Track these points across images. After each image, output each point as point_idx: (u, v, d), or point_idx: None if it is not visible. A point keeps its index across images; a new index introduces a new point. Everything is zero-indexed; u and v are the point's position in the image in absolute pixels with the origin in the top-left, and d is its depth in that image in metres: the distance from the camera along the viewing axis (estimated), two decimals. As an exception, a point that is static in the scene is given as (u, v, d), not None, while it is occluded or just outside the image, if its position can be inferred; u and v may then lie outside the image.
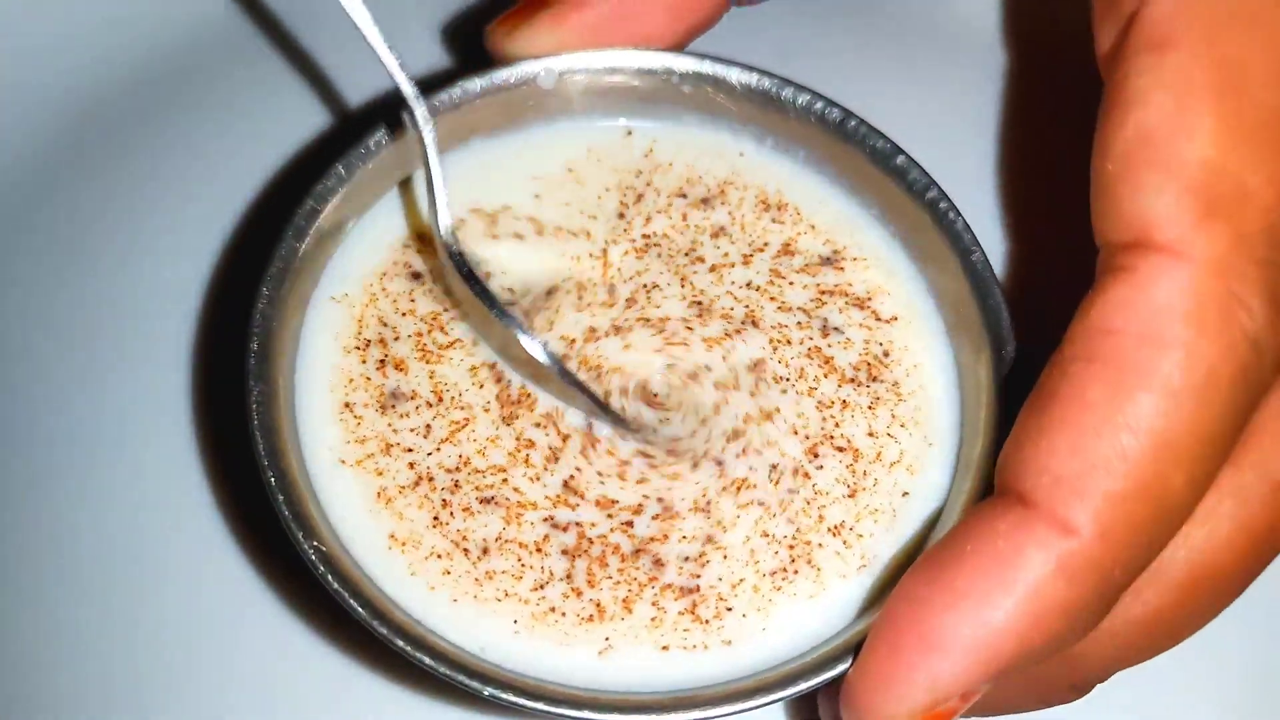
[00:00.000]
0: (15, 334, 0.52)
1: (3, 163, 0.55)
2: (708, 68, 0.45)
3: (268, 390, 0.40)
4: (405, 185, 0.46)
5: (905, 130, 0.45)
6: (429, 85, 0.45)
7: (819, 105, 0.45)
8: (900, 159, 0.44)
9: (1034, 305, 0.51)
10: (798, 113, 0.45)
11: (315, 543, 0.38)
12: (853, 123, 0.45)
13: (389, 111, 0.44)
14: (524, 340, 0.40)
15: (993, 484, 0.37)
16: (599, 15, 0.44)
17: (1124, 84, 0.35)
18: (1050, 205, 0.48)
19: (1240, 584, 0.38)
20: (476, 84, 0.45)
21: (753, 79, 0.45)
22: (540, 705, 0.37)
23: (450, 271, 0.42)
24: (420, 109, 0.42)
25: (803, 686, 0.38)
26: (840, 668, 0.37)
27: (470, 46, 0.50)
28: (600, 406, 0.42)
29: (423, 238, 0.46)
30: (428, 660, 0.37)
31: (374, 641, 0.38)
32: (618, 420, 0.43)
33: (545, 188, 0.47)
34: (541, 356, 0.40)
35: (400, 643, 0.38)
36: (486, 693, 0.37)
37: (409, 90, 0.42)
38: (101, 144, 0.55)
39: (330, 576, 0.38)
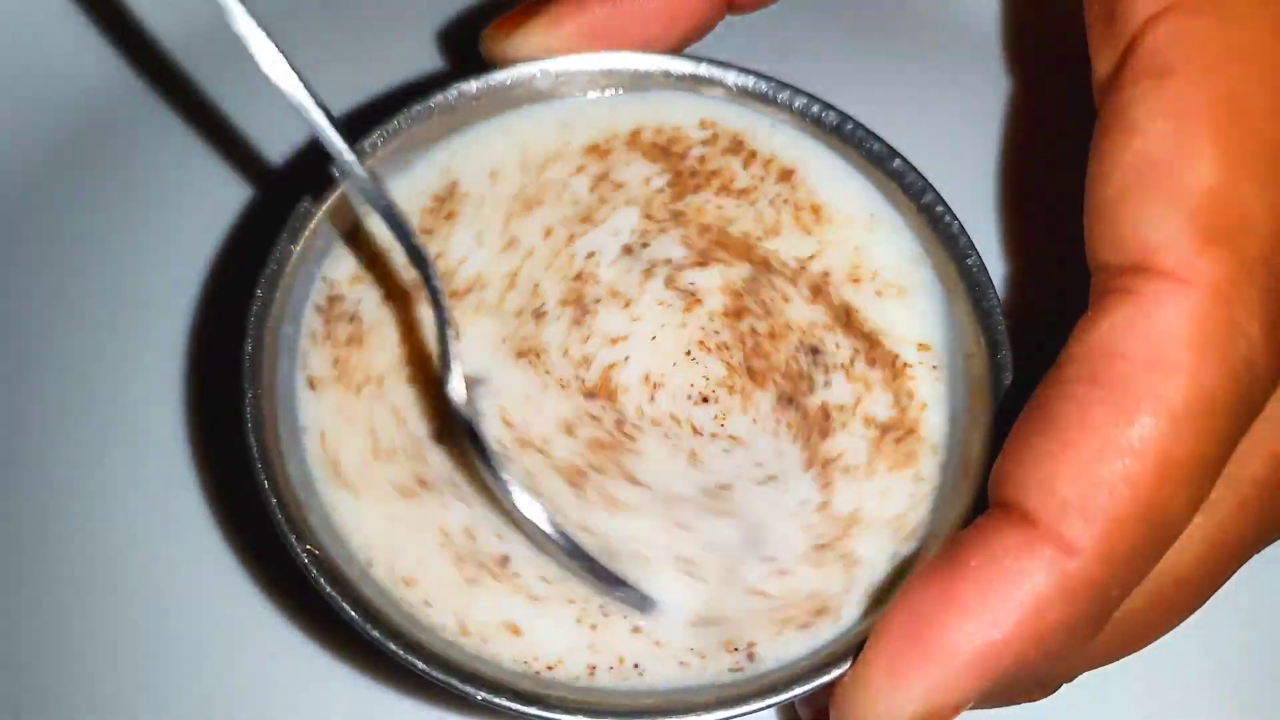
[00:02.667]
0: (9, 337, 0.53)
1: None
2: (704, 69, 0.45)
3: (262, 393, 0.40)
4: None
5: (903, 134, 0.45)
6: (424, 88, 0.45)
7: (815, 108, 0.45)
8: (896, 162, 0.44)
9: (1027, 307, 0.51)
10: (794, 115, 0.45)
11: (308, 546, 0.38)
12: (849, 125, 0.45)
13: (384, 116, 0.44)
14: (525, 507, 0.38)
15: (986, 490, 0.37)
16: (595, 19, 0.44)
17: (1123, 110, 0.36)
18: (1048, 208, 0.49)
19: (1207, 593, 0.39)
20: (473, 86, 0.45)
21: (749, 81, 0.45)
22: (534, 710, 0.37)
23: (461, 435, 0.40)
24: (434, 280, 0.39)
25: (799, 690, 0.37)
26: (835, 672, 0.37)
27: (466, 51, 0.50)
28: (608, 580, 0.40)
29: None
30: (420, 665, 0.37)
31: (368, 645, 0.38)
32: (633, 599, 0.40)
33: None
34: (546, 526, 0.39)
35: (393, 646, 0.38)
36: (479, 697, 0.37)
37: (422, 258, 0.39)
38: (98, 145, 0.56)
39: (323, 580, 0.38)
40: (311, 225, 0.43)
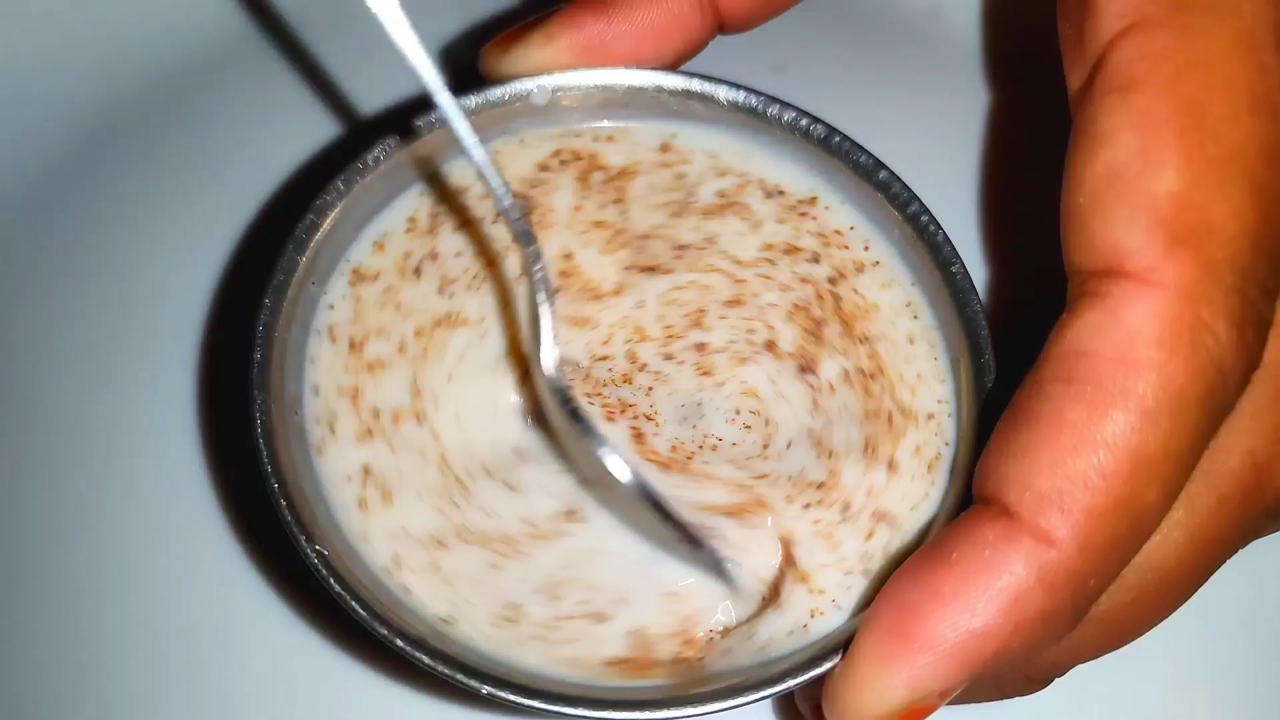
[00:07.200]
0: (23, 338, 0.53)
1: (13, 167, 0.55)
2: (696, 85, 0.47)
3: (271, 398, 0.41)
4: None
5: (891, 146, 0.46)
6: (426, 104, 0.46)
7: (804, 121, 0.46)
8: (883, 174, 0.45)
9: (1009, 310, 0.53)
10: (784, 129, 0.46)
11: (317, 547, 0.39)
12: (837, 138, 0.46)
13: (389, 128, 0.45)
14: (613, 466, 0.39)
15: (971, 490, 0.38)
16: (589, 37, 0.46)
17: (1092, 123, 0.37)
18: (1028, 215, 0.50)
19: (1190, 588, 0.41)
20: (471, 101, 0.46)
21: (740, 96, 0.46)
22: (536, 703, 0.38)
23: (550, 404, 0.41)
24: (531, 246, 0.41)
25: (793, 683, 0.39)
26: (827, 665, 0.38)
27: (466, 68, 0.51)
28: (691, 541, 0.40)
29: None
30: (426, 660, 0.38)
31: (376, 641, 0.39)
32: (714, 565, 0.41)
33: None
34: (637, 486, 0.39)
35: (400, 643, 0.39)
36: (484, 691, 0.38)
37: (520, 229, 0.41)
38: (111, 151, 0.57)
39: (332, 579, 0.39)
40: (318, 235, 0.44)
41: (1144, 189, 0.36)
